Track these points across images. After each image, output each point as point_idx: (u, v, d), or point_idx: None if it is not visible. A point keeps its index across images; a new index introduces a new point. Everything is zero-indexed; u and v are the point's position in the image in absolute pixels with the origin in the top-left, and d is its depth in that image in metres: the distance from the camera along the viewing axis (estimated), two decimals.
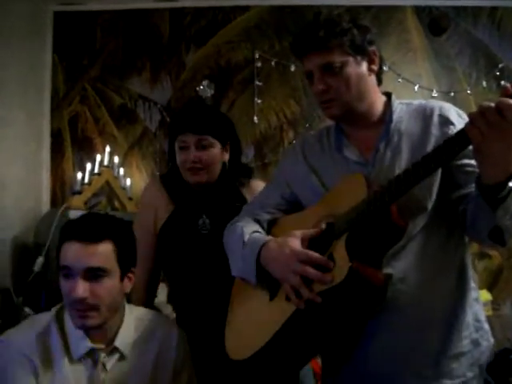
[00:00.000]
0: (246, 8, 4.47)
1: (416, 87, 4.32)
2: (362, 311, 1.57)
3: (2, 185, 3.59)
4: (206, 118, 2.20)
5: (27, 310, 3.17)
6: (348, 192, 1.58)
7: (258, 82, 4.37)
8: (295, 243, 1.59)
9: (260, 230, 1.82)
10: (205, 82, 4.39)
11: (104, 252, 1.67)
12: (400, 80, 4.32)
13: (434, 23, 4.39)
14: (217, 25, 4.47)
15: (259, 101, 4.37)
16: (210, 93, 4.36)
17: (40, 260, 3.40)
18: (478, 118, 1.27)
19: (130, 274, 1.80)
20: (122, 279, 1.74)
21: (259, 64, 4.37)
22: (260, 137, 4.37)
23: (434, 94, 4.32)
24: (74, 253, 1.65)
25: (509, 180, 1.34)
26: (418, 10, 4.43)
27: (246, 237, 1.76)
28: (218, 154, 2.21)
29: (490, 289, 4.08)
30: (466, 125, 1.31)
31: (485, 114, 1.26)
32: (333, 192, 1.69)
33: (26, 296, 3.33)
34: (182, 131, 2.18)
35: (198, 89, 4.37)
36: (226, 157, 2.26)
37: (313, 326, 1.59)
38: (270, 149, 4.36)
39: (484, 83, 4.32)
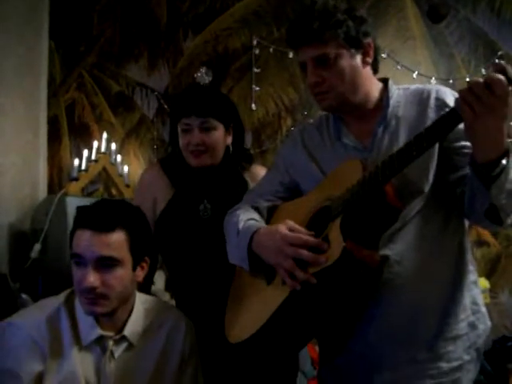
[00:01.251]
0: None
1: (415, 74, 4.31)
2: (356, 292, 1.57)
3: None
4: (209, 100, 2.18)
5: (24, 296, 3.17)
6: (345, 176, 1.58)
7: (255, 69, 4.35)
8: (284, 229, 1.60)
9: (257, 217, 1.81)
10: (203, 69, 4.37)
11: (116, 241, 1.65)
12: (399, 67, 4.30)
13: (433, 10, 4.37)
14: (215, 11, 4.45)
15: (257, 88, 4.35)
16: (208, 80, 4.35)
17: (37, 246, 3.41)
18: (467, 94, 1.28)
19: (143, 263, 1.77)
20: (134, 268, 1.72)
21: (257, 51, 4.35)
22: (258, 124, 4.37)
23: (433, 81, 4.30)
24: (86, 241, 1.63)
25: (501, 158, 1.34)
26: None
27: (241, 224, 1.76)
28: (221, 136, 2.19)
29: (488, 276, 4.08)
30: (456, 102, 1.32)
31: (473, 90, 1.26)
32: (330, 177, 1.69)
33: (23, 282, 3.34)
34: (185, 114, 2.15)
35: (196, 76, 4.35)
36: (229, 140, 2.24)
37: (308, 307, 1.60)
38: (268, 136, 4.36)
39: (483, 70, 4.30)
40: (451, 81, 4.29)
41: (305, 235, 1.55)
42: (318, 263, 1.47)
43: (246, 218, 1.79)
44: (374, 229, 1.52)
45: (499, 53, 4.32)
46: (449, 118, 1.35)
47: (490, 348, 3.40)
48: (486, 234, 4.19)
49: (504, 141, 1.33)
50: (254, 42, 4.36)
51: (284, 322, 1.60)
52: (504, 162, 1.34)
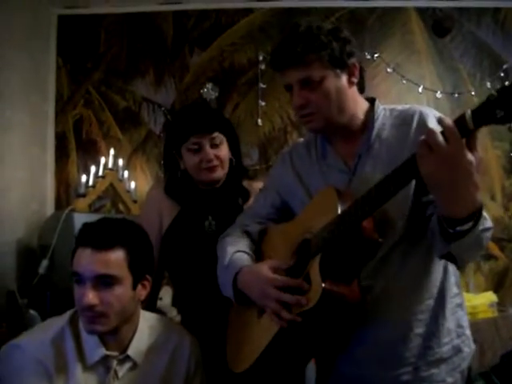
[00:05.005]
0: (249, 10, 4.47)
1: (420, 88, 4.32)
2: (341, 324, 1.60)
3: (6, 187, 3.60)
4: (211, 115, 2.21)
5: (32, 312, 3.16)
6: (322, 206, 1.61)
7: (261, 85, 4.37)
8: (267, 270, 1.64)
9: (245, 246, 1.84)
10: (209, 85, 4.39)
11: (115, 259, 1.65)
12: (404, 81, 4.33)
13: (438, 24, 4.39)
14: (220, 27, 4.47)
15: (263, 103, 4.37)
16: (214, 95, 4.37)
17: (45, 262, 3.40)
18: (422, 144, 1.23)
19: (144, 282, 1.77)
20: (134, 287, 1.72)
21: (263, 66, 4.36)
22: (264, 139, 4.38)
23: (438, 95, 4.31)
24: (85, 259, 1.64)
25: (469, 218, 1.28)
26: (422, 12, 4.43)
27: (227, 258, 1.79)
28: (227, 149, 2.21)
29: (495, 290, 4.06)
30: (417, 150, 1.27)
31: (428, 140, 1.22)
32: (311, 205, 1.71)
33: (31, 298, 3.33)
34: (193, 132, 2.16)
35: (202, 91, 4.38)
36: (230, 153, 2.27)
37: (297, 341, 1.64)
38: (275, 151, 4.36)
39: (488, 84, 4.31)
40: (456, 95, 4.30)
41: (286, 278, 1.59)
42: (299, 305, 1.51)
43: (233, 250, 1.81)
44: (354, 264, 1.55)
45: (504, 66, 4.32)
46: (410, 163, 1.29)
47: (499, 362, 3.38)
48: (494, 248, 4.18)
49: (473, 201, 1.26)
50: (260, 58, 4.37)
51: (276, 354, 1.66)
52: (470, 224, 1.29)
